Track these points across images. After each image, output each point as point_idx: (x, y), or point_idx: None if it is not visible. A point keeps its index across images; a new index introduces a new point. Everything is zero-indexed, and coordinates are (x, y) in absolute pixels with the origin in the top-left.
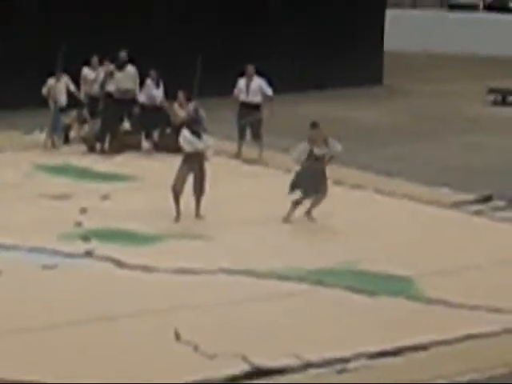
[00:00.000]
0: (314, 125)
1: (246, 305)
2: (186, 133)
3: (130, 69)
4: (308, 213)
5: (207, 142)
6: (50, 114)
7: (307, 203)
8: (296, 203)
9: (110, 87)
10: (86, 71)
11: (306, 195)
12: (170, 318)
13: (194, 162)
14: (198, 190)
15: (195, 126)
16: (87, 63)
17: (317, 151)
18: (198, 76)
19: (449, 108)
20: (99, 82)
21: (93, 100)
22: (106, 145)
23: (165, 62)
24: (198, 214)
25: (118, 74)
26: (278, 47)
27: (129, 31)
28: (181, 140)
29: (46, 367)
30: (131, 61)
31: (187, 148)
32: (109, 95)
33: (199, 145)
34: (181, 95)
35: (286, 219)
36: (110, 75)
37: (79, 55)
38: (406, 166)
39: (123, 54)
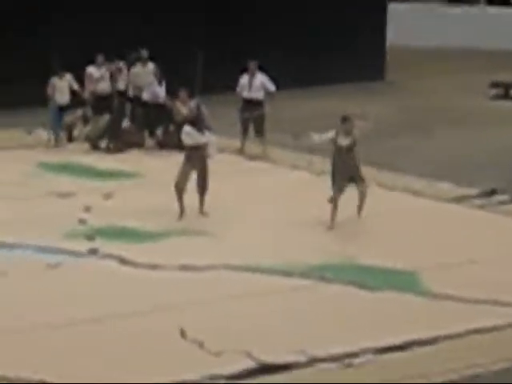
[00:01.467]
0: (345, 119)
1: (250, 301)
2: (187, 128)
3: (150, 66)
4: (358, 212)
5: (209, 138)
6: (49, 112)
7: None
8: (331, 201)
9: (121, 85)
10: (91, 69)
11: (338, 191)
12: (176, 315)
13: (197, 159)
14: (201, 187)
15: (197, 123)
16: (92, 62)
17: (341, 141)
18: (200, 72)
19: (450, 102)
20: (106, 80)
21: (97, 98)
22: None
23: (167, 59)
24: (201, 211)
25: (139, 71)
26: (280, 43)
27: (131, 29)
28: (182, 135)
29: (50, 366)
30: (151, 58)
31: (188, 141)
32: (119, 93)
33: (200, 138)
34: (182, 93)
35: (331, 226)
36: (119, 72)
37: (84, 54)
38: (408, 160)
39: (144, 52)
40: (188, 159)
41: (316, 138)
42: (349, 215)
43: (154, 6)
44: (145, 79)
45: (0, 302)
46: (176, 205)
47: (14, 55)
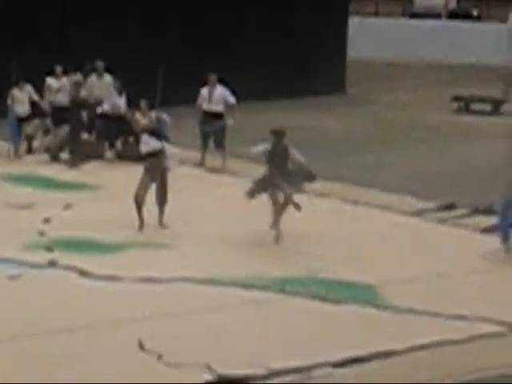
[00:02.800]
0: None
1: (210, 314)
2: (144, 136)
3: (107, 78)
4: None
5: (170, 151)
6: (8, 123)
7: None
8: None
9: (82, 95)
10: (50, 81)
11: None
12: (135, 327)
13: (156, 171)
14: (161, 199)
15: (156, 134)
16: (51, 73)
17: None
18: (160, 85)
19: (413, 116)
20: (65, 91)
21: (56, 110)
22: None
23: (127, 71)
24: (161, 223)
25: (95, 82)
26: (241, 56)
27: (93, 42)
28: (140, 144)
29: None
30: (108, 70)
31: (145, 149)
32: (77, 105)
33: (156, 144)
34: (143, 104)
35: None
36: (76, 84)
37: (42, 66)
38: (370, 175)
39: (100, 63)
40: (147, 171)
41: (252, 149)
42: (310, 229)
43: (115, 18)
44: (100, 90)
45: None
46: (136, 216)
47: None
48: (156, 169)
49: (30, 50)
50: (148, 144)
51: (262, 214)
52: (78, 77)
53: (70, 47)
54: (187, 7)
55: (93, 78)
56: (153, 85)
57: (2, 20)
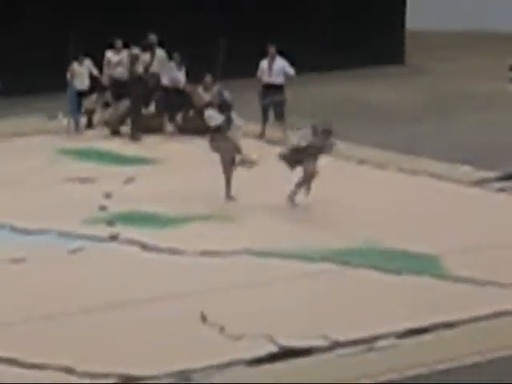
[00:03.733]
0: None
1: (272, 286)
2: (210, 111)
3: (159, 52)
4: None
5: (236, 122)
6: (68, 98)
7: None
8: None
9: (138, 69)
10: (110, 55)
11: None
12: (197, 300)
13: (221, 141)
14: (226, 172)
15: (220, 108)
16: (111, 47)
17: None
18: (221, 59)
19: (470, 86)
20: (124, 65)
21: (116, 83)
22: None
23: (187, 44)
24: (228, 195)
25: (147, 56)
26: (299, 27)
27: (150, 14)
28: (206, 118)
29: (70, 351)
30: (160, 44)
31: (211, 123)
32: (137, 78)
33: (221, 118)
34: (207, 78)
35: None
36: (136, 58)
37: (102, 39)
38: (427, 145)
39: (152, 37)
40: (212, 140)
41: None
42: (369, 200)
43: None
44: (155, 65)
45: (17, 289)
46: (195, 190)
47: (32, 41)
48: (221, 139)
49: (88, 23)
50: (215, 119)
51: (323, 187)
52: (136, 51)
53: (128, 21)
54: None
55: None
56: (213, 58)
57: None
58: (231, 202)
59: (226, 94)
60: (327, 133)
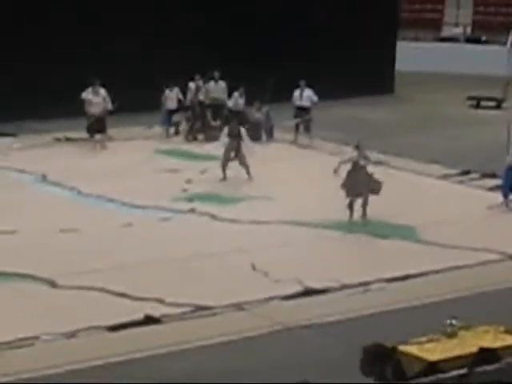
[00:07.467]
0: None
1: (301, 245)
2: (223, 137)
3: (221, 84)
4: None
5: (249, 145)
6: (161, 114)
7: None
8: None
9: (201, 96)
10: (191, 84)
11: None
12: (249, 254)
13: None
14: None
15: (261, 125)
16: (191, 79)
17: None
18: (270, 91)
19: (440, 110)
20: (192, 92)
21: (195, 105)
22: (201, 135)
23: (243, 80)
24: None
25: (212, 87)
26: (320, 71)
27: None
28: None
29: (161, 289)
30: (221, 78)
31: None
32: (200, 102)
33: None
34: (257, 103)
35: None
36: (198, 88)
37: (185, 74)
38: (410, 150)
39: (216, 74)
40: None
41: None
42: None
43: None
44: (215, 93)
45: (126, 244)
46: (246, 177)
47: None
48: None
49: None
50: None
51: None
52: (198, 82)
53: (204, 64)
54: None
55: (211, 83)
56: (260, 90)
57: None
58: (267, 187)
59: (270, 115)
60: (359, 147)
